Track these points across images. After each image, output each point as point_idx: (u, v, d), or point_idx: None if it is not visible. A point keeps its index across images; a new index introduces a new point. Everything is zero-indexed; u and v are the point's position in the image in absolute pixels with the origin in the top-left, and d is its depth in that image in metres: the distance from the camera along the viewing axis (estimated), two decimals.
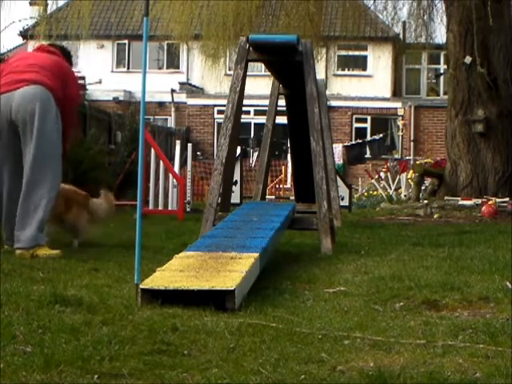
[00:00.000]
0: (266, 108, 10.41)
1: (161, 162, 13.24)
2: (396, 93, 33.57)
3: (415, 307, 4.61)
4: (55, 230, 7.33)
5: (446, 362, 3.34)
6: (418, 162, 19.66)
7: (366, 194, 23.13)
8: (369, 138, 30.77)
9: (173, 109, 33.06)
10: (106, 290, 4.87)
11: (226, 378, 3.05)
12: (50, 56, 7.15)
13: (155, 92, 29.40)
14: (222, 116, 8.05)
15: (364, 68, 33.61)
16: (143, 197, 10.83)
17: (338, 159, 25.77)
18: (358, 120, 32.99)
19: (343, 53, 33.36)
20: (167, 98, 32.80)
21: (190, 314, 4.17)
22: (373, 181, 24.13)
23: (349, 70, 33.77)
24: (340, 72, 33.48)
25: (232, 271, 4.80)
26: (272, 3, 18.90)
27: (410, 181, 20.13)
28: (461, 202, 14.55)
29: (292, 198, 13.55)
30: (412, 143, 32.22)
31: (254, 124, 30.91)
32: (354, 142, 30.00)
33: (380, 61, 32.44)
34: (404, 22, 23.53)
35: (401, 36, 29.05)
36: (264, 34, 15.83)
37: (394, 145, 32.70)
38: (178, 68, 34.33)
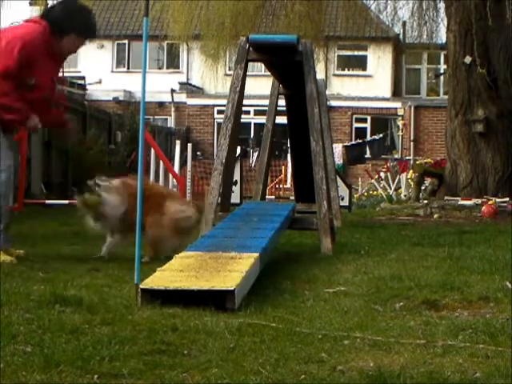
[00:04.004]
0: (266, 108, 10.41)
1: (161, 162, 13.23)
2: (396, 93, 33.57)
3: (415, 307, 4.61)
4: None
5: (446, 362, 3.34)
6: (417, 162, 19.65)
7: (366, 194, 23.12)
8: (369, 138, 30.76)
9: (173, 109, 33.06)
10: (105, 290, 4.87)
11: (225, 378, 3.05)
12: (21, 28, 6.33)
13: (155, 92, 29.39)
14: (222, 116, 8.05)
15: (364, 68, 33.61)
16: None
17: (338, 159, 25.76)
18: (358, 120, 32.98)
19: (343, 53, 33.36)
20: (167, 98, 32.80)
21: (189, 314, 4.16)
22: (373, 181, 24.13)
23: (349, 70, 33.76)
24: (340, 72, 33.48)
25: (232, 271, 4.80)
26: (272, 3, 18.90)
27: (409, 181, 20.12)
28: (461, 202, 14.55)
29: (292, 197, 13.54)
30: (412, 143, 32.22)
31: (254, 124, 30.90)
32: (353, 142, 29.99)
33: (380, 61, 32.42)
34: (404, 22, 23.54)
35: (401, 36, 29.09)
36: (264, 34, 15.83)
37: (393, 145, 32.69)
38: (178, 68, 34.33)
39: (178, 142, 15.68)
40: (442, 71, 31.24)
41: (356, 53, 32.98)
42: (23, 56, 6.08)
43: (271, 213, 7.61)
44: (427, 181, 17.91)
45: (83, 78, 32.62)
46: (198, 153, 30.83)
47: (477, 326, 3.98)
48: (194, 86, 33.55)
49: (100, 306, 4.32)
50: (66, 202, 14.35)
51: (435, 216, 13.68)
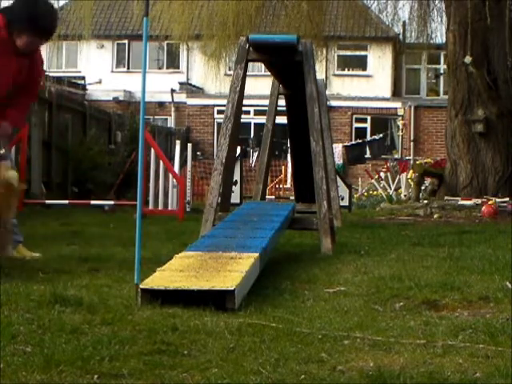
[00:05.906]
0: (266, 108, 10.41)
1: (161, 162, 13.23)
2: (396, 93, 33.57)
3: (415, 307, 4.61)
4: None
5: (446, 362, 3.34)
6: (417, 162, 19.66)
7: (365, 194, 23.13)
8: (369, 138, 30.76)
9: (173, 109, 33.06)
10: (105, 290, 4.87)
11: (225, 378, 3.05)
12: None
13: (155, 92, 29.40)
14: (222, 116, 8.05)
15: (364, 68, 33.61)
16: (143, 197, 10.84)
17: (338, 159, 25.76)
18: (358, 120, 32.99)
19: (343, 53, 33.36)
20: (167, 98, 32.80)
21: (189, 314, 4.16)
22: (373, 181, 24.14)
23: (349, 70, 33.76)
24: (340, 72, 33.48)
25: (232, 271, 4.80)
26: (272, 3, 18.90)
27: (409, 181, 20.13)
28: (461, 202, 14.55)
29: (292, 197, 13.55)
30: (412, 143, 32.23)
31: (254, 124, 30.91)
32: (353, 142, 29.98)
33: (380, 61, 32.44)
34: (404, 22, 23.54)
35: (401, 36, 29.09)
36: (264, 33, 15.82)
37: (393, 145, 32.69)
38: (178, 68, 34.32)
39: (178, 142, 15.69)
40: (442, 71, 31.24)
41: (356, 53, 32.98)
42: None
43: (271, 213, 7.60)
44: (427, 181, 17.92)
45: (83, 78, 32.64)
46: (198, 153, 30.84)
47: (477, 326, 3.98)
48: (193, 86, 33.56)
49: (100, 306, 4.32)
50: (66, 202, 14.38)
51: (435, 216, 13.68)
